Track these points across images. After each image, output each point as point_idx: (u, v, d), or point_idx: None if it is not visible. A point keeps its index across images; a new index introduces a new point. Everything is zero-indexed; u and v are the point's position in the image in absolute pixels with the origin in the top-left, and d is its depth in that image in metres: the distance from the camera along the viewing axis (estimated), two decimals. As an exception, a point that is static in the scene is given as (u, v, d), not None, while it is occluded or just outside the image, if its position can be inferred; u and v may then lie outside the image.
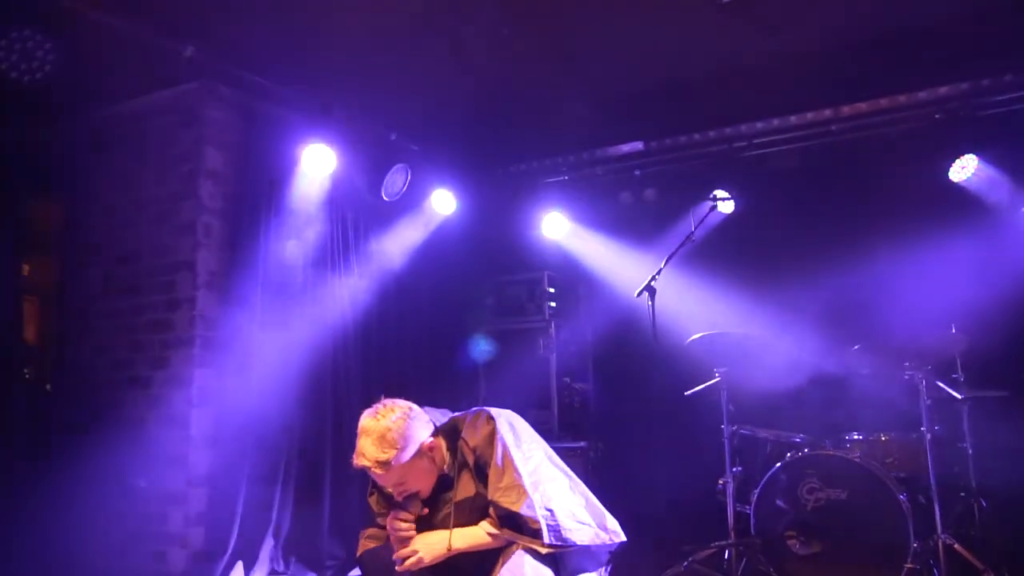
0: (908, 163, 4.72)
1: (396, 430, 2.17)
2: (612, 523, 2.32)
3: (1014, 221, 4.41)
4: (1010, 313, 4.05)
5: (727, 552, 3.89)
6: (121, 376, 4.32)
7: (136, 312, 4.31)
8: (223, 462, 4.10)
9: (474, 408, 2.42)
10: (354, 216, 4.93)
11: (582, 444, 4.61)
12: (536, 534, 2.12)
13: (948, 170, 4.66)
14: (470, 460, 2.29)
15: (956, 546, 3.46)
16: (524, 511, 2.13)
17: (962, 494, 3.83)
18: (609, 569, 2.35)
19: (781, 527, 3.68)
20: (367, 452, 2.15)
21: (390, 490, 2.27)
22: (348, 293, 4.83)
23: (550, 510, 2.17)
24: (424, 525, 2.28)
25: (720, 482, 4.01)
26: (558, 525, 2.15)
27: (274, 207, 4.37)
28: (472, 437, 2.30)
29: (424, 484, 2.27)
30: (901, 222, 4.57)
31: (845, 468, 3.65)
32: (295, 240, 4.45)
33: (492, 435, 2.27)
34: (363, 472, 2.22)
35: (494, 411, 2.37)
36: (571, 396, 5.28)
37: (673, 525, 4.17)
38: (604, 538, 2.25)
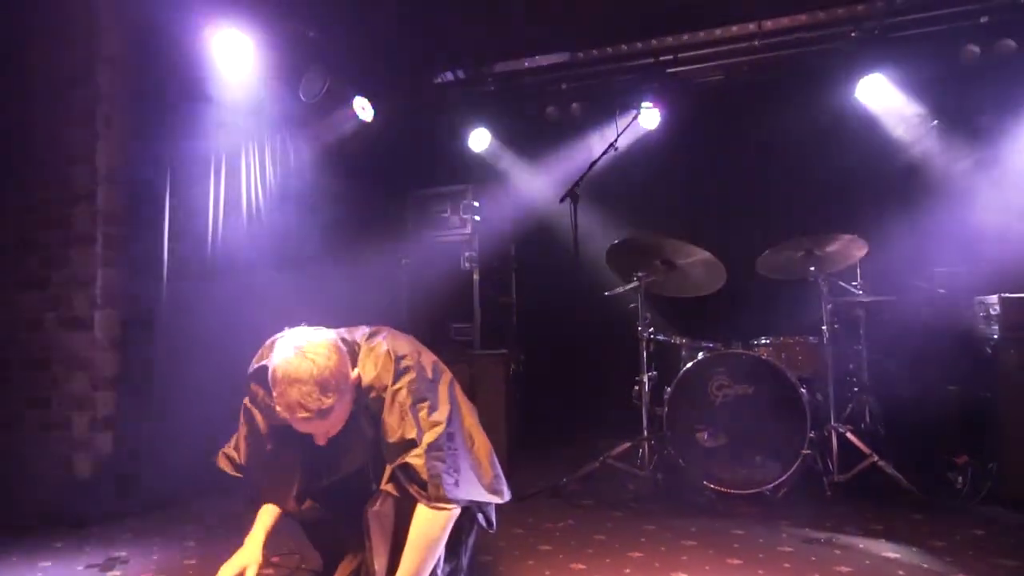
0: (823, 81, 4.87)
1: (332, 369, 1.88)
2: (500, 483, 2.19)
3: (919, 137, 4.65)
4: (904, 223, 4.32)
5: (640, 449, 4.07)
6: (14, 278, 4.04)
7: (30, 209, 4.01)
8: (130, 365, 3.94)
9: (364, 329, 2.16)
10: (270, 113, 4.68)
11: (503, 351, 4.67)
12: (423, 487, 1.97)
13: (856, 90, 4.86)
14: (366, 396, 2.06)
15: (848, 434, 3.74)
16: (413, 461, 1.97)
17: (855, 390, 4.12)
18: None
19: (691, 422, 3.87)
20: (308, 403, 1.84)
21: (305, 431, 1.98)
22: (263, 194, 4.64)
23: (446, 465, 1.99)
24: (324, 457, 2.09)
25: (635, 387, 4.16)
26: (452, 483, 1.98)
27: (184, 98, 4.09)
28: (367, 371, 2.05)
29: (343, 421, 2.03)
30: (816, 137, 4.74)
31: (752, 365, 3.86)
32: (206, 134, 4.21)
33: (388, 369, 2.04)
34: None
35: (388, 339, 2.11)
36: (494, 308, 5.31)
37: (591, 427, 4.32)
38: (489, 499, 2.14)
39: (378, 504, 2.05)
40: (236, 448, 2.26)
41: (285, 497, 2.19)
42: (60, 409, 3.88)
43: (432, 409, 2.06)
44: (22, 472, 3.88)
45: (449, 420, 2.07)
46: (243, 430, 2.24)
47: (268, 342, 2.10)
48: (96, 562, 2.89)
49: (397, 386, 2.04)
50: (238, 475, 2.25)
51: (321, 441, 2.03)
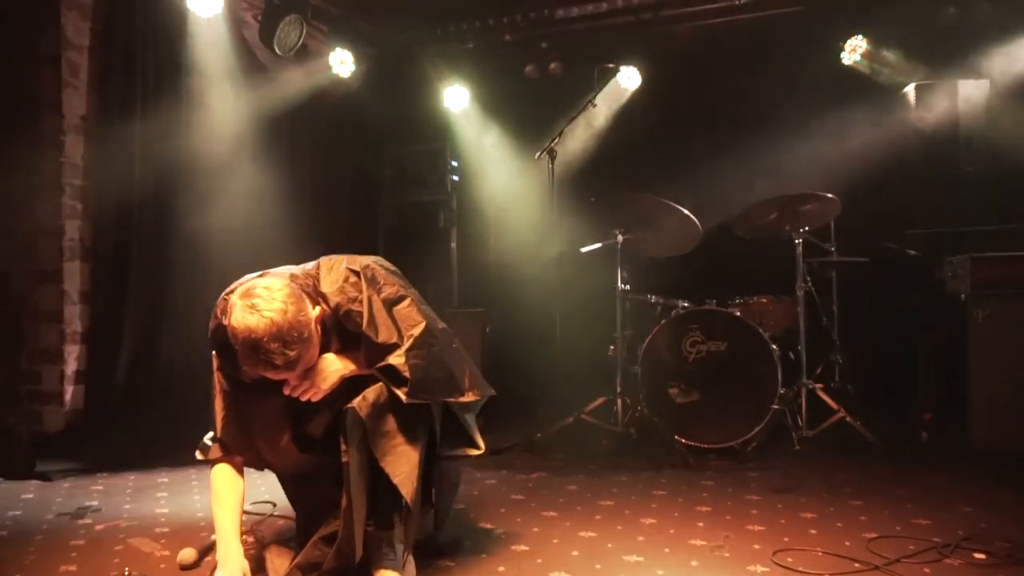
0: (806, 42, 4.84)
1: (291, 321, 1.78)
2: (478, 380, 2.16)
3: (897, 101, 4.65)
4: (880, 184, 4.35)
5: (614, 405, 4.10)
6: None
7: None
8: (101, 319, 3.89)
9: (325, 257, 2.08)
10: (243, 68, 4.58)
11: (480, 309, 4.68)
12: (403, 383, 1.92)
13: (840, 52, 4.84)
14: (334, 316, 1.99)
15: (818, 391, 3.80)
16: (394, 362, 1.93)
17: (827, 348, 4.17)
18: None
19: (664, 379, 3.91)
20: (273, 359, 1.77)
21: (282, 379, 1.90)
22: (238, 152, 4.55)
23: (419, 363, 1.95)
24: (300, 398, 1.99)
25: (611, 348, 4.18)
26: (424, 379, 1.95)
27: (152, 49, 4.00)
28: (333, 292, 1.98)
29: (314, 359, 1.95)
30: (797, 99, 4.72)
31: (726, 322, 3.89)
32: (178, 85, 4.12)
33: (355, 286, 1.98)
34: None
35: (346, 258, 2.05)
36: (471, 268, 5.30)
37: (567, 384, 4.33)
38: (471, 397, 2.11)
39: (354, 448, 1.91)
40: (217, 424, 2.09)
41: (276, 448, 2.07)
42: (30, 363, 3.85)
43: (411, 306, 2.04)
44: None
45: (429, 316, 2.06)
46: (218, 398, 2.09)
47: (220, 300, 1.99)
48: (67, 511, 2.87)
49: (368, 293, 1.98)
50: (225, 454, 2.11)
51: (295, 382, 1.94)
